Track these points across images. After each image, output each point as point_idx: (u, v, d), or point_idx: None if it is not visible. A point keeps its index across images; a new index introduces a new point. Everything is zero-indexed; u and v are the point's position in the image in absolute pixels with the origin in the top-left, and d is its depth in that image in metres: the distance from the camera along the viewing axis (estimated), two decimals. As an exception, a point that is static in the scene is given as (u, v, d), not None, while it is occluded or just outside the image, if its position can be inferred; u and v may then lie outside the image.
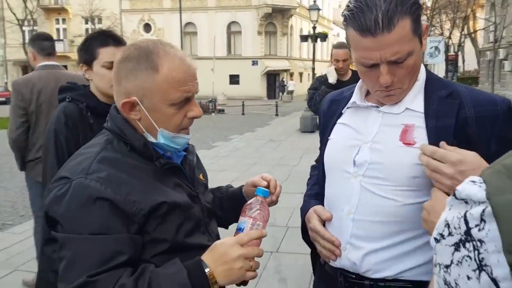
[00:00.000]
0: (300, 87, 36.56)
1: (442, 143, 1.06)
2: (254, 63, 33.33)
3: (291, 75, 36.20)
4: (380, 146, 1.20)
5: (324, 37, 17.00)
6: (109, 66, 1.85)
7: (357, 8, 1.08)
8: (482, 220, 0.52)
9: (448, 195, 1.02)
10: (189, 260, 1.06)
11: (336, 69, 4.11)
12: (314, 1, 15.40)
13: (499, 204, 0.50)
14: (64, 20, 34.76)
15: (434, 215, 1.01)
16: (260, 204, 1.20)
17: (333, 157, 1.31)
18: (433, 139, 1.12)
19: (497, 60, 21.92)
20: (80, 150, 1.17)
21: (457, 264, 0.55)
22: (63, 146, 1.81)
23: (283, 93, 33.15)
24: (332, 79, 4.08)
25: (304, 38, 17.23)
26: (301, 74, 39.21)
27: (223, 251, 1.06)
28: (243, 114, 20.69)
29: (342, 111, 1.35)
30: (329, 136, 1.35)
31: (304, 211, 1.41)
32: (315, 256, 1.43)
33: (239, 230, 1.16)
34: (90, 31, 35.75)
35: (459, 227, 0.54)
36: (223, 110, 22.24)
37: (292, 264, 4.01)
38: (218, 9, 33.83)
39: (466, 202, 0.55)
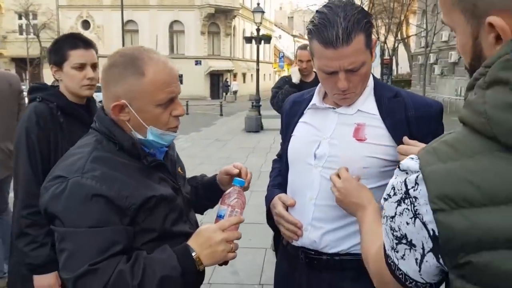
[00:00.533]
0: (243, 87, 36.90)
1: (405, 138, 1.30)
2: (198, 63, 33.21)
3: (235, 75, 36.43)
4: (337, 141, 1.41)
5: (268, 39, 17.40)
6: (79, 67, 1.94)
7: (321, 24, 1.28)
8: (416, 183, 0.72)
9: None
10: (176, 246, 1.20)
11: (299, 70, 4.18)
12: (258, 4, 15.71)
13: (427, 172, 0.71)
14: (-5, 14, 32.82)
15: (353, 196, 1.26)
16: (237, 193, 1.36)
17: (296, 151, 1.51)
18: (393, 133, 1.36)
19: (428, 64, 23.39)
20: (70, 150, 1.27)
21: (399, 215, 0.76)
22: (34, 145, 1.86)
23: (227, 93, 33.30)
24: (296, 79, 4.16)
25: (248, 40, 17.51)
26: (244, 74, 39.57)
27: (207, 236, 1.23)
28: (187, 114, 20.58)
29: (304, 112, 1.55)
30: (292, 133, 1.55)
31: (269, 199, 1.59)
32: (277, 238, 1.62)
33: (219, 217, 1.32)
34: (24, 27, 33.73)
35: (401, 189, 0.75)
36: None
37: (242, 258, 4.21)
38: (160, 7, 33.37)
39: (406, 172, 0.76)
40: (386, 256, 0.84)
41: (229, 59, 35.20)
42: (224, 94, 33.49)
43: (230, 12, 33.82)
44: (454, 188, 0.68)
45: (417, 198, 0.72)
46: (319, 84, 1.51)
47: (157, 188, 1.25)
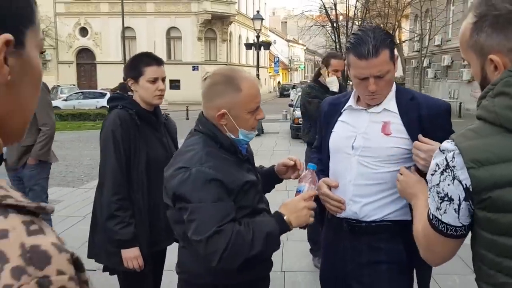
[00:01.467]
0: (240, 92, 37.24)
1: (419, 136, 1.69)
2: (195, 68, 33.63)
3: (231, 80, 36.83)
4: (369, 135, 1.84)
5: (268, 45, 17.92)
6: (153, 81, 2.35)
7: (356, 42, 1.73)
8: (453, 157, 1.11)
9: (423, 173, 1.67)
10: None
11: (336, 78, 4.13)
12: (258, 11, 16.21)
13: (461, 147, 1.09)
14: (-8, 21, 33.04)
15: (410, 187, 1.64)
16: (311, 174, 1.80)
17: (337, 144, 1.94)
18: (408, 128, 1.79)
19: (421, 68, 23.99)
20: (183, 148, 1.69)
21: (442, 181, 1.16)
22: (119, 143, 2.27)
23: (223, 98, 33.63)
24: (336, 88, 4.05)
25: (248, 46, 17.99)
26: (240, 79, 39.96)
27: (293, 205, 1.65)
28: (187, 119, 20.99)
29: (342, 112, 1.98)
30: (332, 129, 1.97)
31: None
32: (321, 214, 2.03)
33: (299, 191, 1.73)
34: None
35: (443, 163, 1.15)
36: (167, 115, 22.32)
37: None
38: (157, 14, 33.82)
39: (443, 152, 1.16)
40: (430, 220, 1.22)
41: (226, 64, 35.58)
42: (221, 99, 33.82)
43: (227, 18, 34.33)
44: (479, 154, 1.07)
45: (455, 166, 1.12)
46: (354, 90, 1.94)
47: (247, 176, 1.67)
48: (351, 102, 1.95)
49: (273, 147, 12.00)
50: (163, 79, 2.41)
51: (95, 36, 34.07)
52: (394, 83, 1.90)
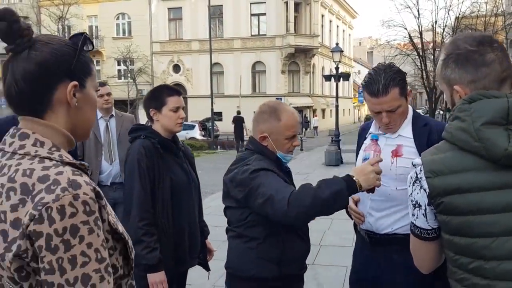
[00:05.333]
0: (323, 123, 37.30)
1: None
2: (278, 99, 34.18)
3: (314, 111, 37.14)
4: (384, 156, 2.08)
5: (347, 76, 17.88)
6: (175, 110, 2.53)
7: (369, 81, 2.03)
8: (420, 170, 1.34)
9: None
10: None
11: None
12: (337, 44, 16.50)
13: (424, 161, 1.34)
14: (98, 62, 36.60)
15: None
16: (375, 143, 1.95)
17: (360, 163, 2.21)
18: (420, 151, 1.99)
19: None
20: (241, 162, 2.06)
21: (413, 190, 1.39)
22: (145, 171, 2.40)
23: (306, 129, 33.89)
24: None
25: (327, 78, 18.27)
26: (323, 110, 40.17)
27: (362, 168, 1.82)
28: (301, 150, 21.41)
29: (366, 136, 2.27)
30: (358, 151, 2.26)
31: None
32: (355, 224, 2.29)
33: (365, 159, 1.91)
34: (122, 72, 36.59)
35: (414, 176, 1.39)
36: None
37: (326, 272, 4.84)
38: (243, 50, 35.34)
39: (414, 166, 1.40)
40: (410, 227, 1.45)
41: (309, 96, 36.06)
42: (304, 129, 34.11)
43: (310, 51, 34.84)
44: (435, 166, 1.31)
45: (421, 177, 1.34)
46: (373, 119, 2.23)
47: (289, 182, 2.08)
48: (372, 128, 2.24)
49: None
50: (183, 108, 2.61)
51: (187, 72, 36.26)
52: (411, 110, 2.14)
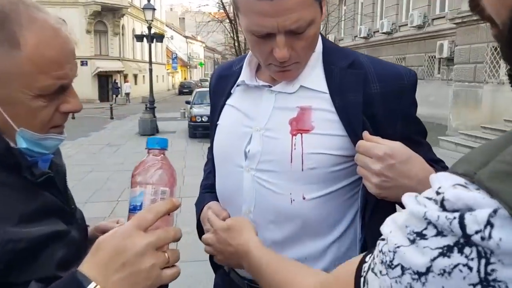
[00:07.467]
0: (135, 89, 35.36)
1: (365, 133, 0.94)
2: (84, 63, 30.94)
3: (125, 76, 34.71)
4: (273, 133, 1.03)
5: (160, 37, 16.59)
6: None
7: None
8: (489, 223, 0.41)
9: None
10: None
11: None
12: (148, 0, 14.90)
13: (502, 196, 0.40)
14: None
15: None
16: (158, 161, 0.82)
17: (223, 147, 1.12)
18: (346, 119, 1.00)
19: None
20: None
21: (441, 274, 0.44)
22: None
23: (117, 96, 31.55)
24: None
25: (139, 38, 16.49)
26: (135, 76, 37.91)
27: (115, 249, 0.67)
28: (73, 118, 18.99)
29: (231, 91, 1.15)
30: (217, 121, 1.15)
31: (199, 207, 1.18)
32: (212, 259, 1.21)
33: (133, 210, 0.77)
34: None
35: (452, 229, 0.43)
36: None
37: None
38: (39, 2, 30.54)
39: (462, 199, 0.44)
40: None
41: (119, 59, 33.46)
42: (114, 96, 31.68)
43: (118, 10, 32.14)
44: None
45: (493, 252, 0.48)
46: (249, 53, 1.12)
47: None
48: (244, 74, 1.12)
49: (168, 148, 11.02)
50: None
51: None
52: (321, 40, 1.09)
